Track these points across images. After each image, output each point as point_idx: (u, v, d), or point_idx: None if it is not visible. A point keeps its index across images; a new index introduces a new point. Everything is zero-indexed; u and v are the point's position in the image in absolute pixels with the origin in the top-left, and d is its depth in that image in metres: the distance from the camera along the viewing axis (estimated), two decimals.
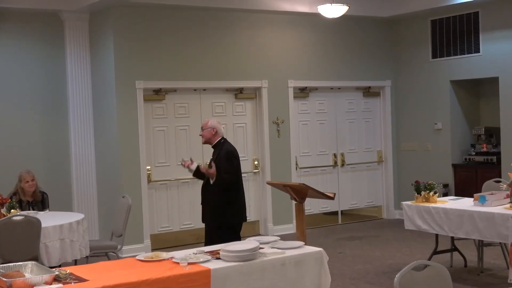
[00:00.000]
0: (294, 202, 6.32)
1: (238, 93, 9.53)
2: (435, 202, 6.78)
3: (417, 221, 6.78)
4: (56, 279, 3.90)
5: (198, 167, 6.34)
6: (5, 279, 3.75)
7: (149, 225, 8.76)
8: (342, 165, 10.50)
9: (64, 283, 3.85)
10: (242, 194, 6.39)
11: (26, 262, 4.19)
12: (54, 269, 4.21)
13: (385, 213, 10.89)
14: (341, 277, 6.97)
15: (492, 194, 6.46)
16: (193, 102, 9.23)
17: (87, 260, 6.50)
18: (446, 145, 10.16)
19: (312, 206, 10.01)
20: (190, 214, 9.03)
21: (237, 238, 6.10)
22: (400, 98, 10.79)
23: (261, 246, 4.61)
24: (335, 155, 10.45)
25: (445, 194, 9.38)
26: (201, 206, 6.51)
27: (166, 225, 9.06)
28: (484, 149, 9.80)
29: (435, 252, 7.07)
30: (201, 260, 4.36)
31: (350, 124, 10.61)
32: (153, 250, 8.41)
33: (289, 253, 4.63)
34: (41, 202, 7.12)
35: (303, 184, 6.23)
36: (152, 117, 8.95)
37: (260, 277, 4.40)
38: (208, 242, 6.01)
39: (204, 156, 8.84)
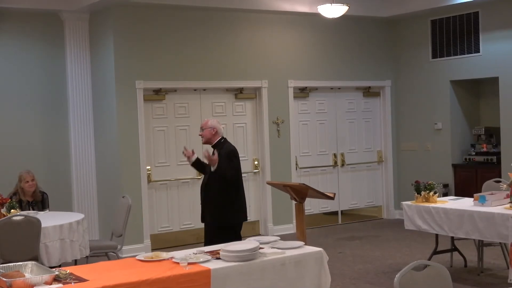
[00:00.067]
0: (294, 202, 6.32)
1: (238, 93, 9.53)
2: (435, 202, 6.78)
3: (417, 221, 6.78)
4: (56, 279, 3.90)
5: (198, 159, 6.42)
6: (5, 279, 3.75)
7: (149, 225, 8.76)
8: (342, 165, 10.50)
9: (64, 283, 3.85)
10: (242, 193, 6.38)
11: (26, 262, 4.19)
12: (54, 269, 4.21)
13: (385, 213, 10.89)
14: (341, 277, 6.97)
15: (492, 194, 6.46)
16: (193, 102, 9.23)
17: (87, 260, 6.50)
18: (446, 145, 10.16)
19: (312, 206, 10.01)
20: (190, 214, 9.03)
21: (237, 238, 6.09)
22: (400, 98, 10.79)
23: (261, 246, 4.61)
24: (335, 155, 10.45)
25: (445, 194, 9.38)
26: (200, 206, 6.51)
27: (166, 225, 9.06)
28: (484, 149, 9.80)
29: (435, 252, 7.07)
30: (201, 260, 4.36)
31: (350, 124, 10.61)
32: (153, 250, 8.41)
33: (289, 253, 4.63)
34: (41, 202, 7.12)
35: (303, 184, 6.24)
36: (152, 117, 8.95)
37: (260, 277, 4.40)
38: (208, 242, 6.00)
39: (202, 157, 8.82)
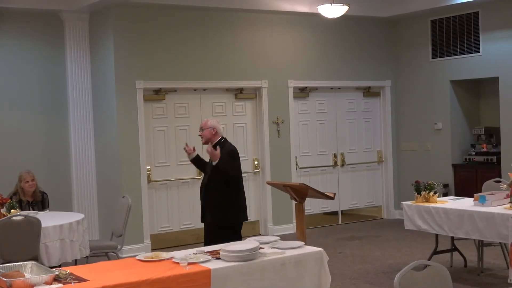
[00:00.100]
0: (294, 202, 6.32)
1: (238, 93, 9.53)
2: (435, 202, 6.78)
3: (417, 221, 6.78)
4: (56, 279, 3.89)
5: (198, 156, 6.51)
6: (5, 279, 3.75)
7: (149, 225, 8.76)
8: (342, 165, 10.50)
9: (64, 283, 3.85)
10: (242, 193, 6.38)
11: (26, 262, 4.19)
12: (54, 269, 4.21)
13: (385, 213, 10.88)
14: (341, 277, 6.97)
15: (492, 194, 6.46)
16: (193, 102, 9.23)
17: (87, 260, 6.50)
18: (446, 145, 10.16)
19: (312, 206, 10.01)
20: (190, 214, 9.03)
21: (237, 238, 6.09)
22: (400, 98, 10.79)
23: (261, 246, 4.61)
24: (335, 155, 10.45)
25: (445, 194, 9.38)
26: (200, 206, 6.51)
27: (166, 225, 9.06)
28: (484, 149, 9.80)
29: (435, 252, 7.07)
30: (201, 260, 4.36)
31: (350, 124, 10.61)
32: (153, 250, 8.41)
33: (289, 253, 4.63)
34: (41, 202, 7.12)
35: (303, 184, 6.23)
36: (152, 117, 8.95)
37: (260, 277, 4.40)
38: (207, 242, 5.99)
39: (204, 156, 8.79)
